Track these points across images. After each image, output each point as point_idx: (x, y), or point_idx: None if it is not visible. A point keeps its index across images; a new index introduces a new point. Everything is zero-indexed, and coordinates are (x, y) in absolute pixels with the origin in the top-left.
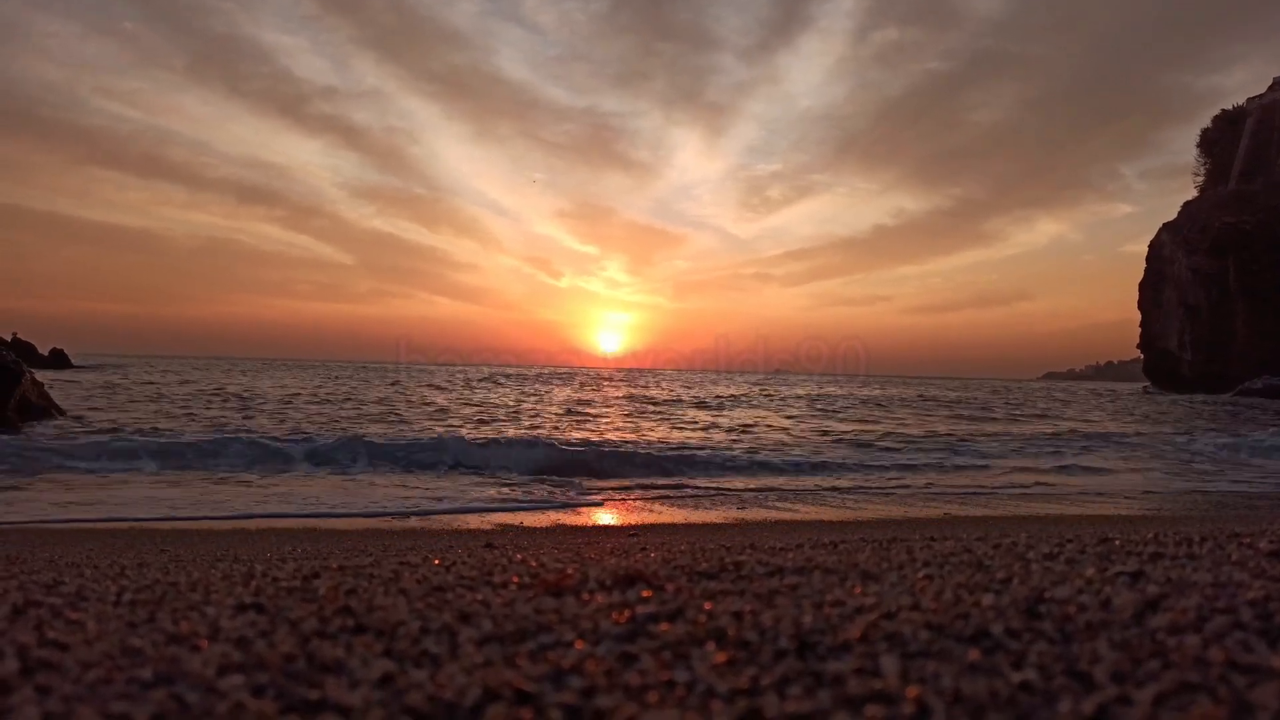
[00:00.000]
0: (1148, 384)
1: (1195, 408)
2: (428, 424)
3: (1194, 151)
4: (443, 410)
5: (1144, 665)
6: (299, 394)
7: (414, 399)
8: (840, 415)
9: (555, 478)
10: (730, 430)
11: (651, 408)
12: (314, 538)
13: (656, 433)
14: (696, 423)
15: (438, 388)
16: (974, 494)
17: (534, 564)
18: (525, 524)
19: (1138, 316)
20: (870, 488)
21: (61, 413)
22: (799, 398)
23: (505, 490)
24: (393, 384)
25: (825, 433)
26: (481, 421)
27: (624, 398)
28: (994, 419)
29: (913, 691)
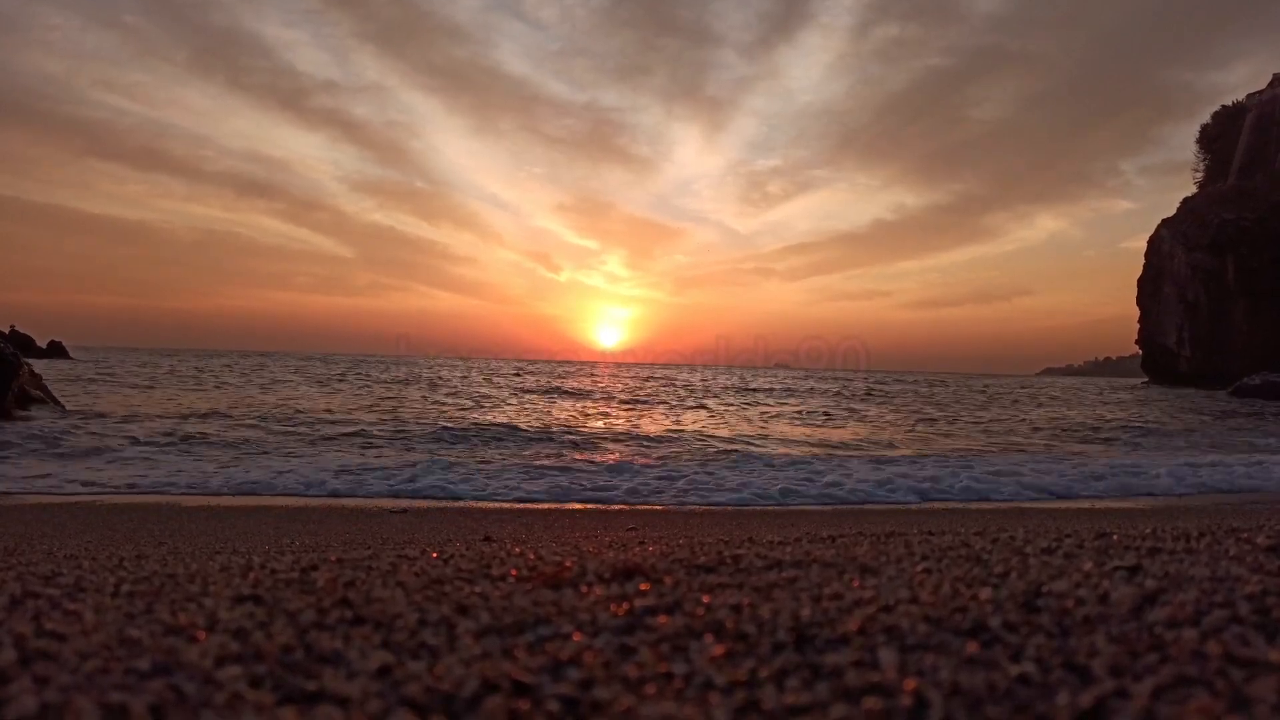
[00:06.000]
0: (1146, 379)
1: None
2: None
3: (1194, 148)
4: None
5: (1142, 659)
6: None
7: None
8: None
9: None
10: None
11: None
12: (313, 530)
13: None
14: None
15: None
16: None
17: (532, 557)
18: (524, 517)
19: (1137, 312)
20: None
21: (62, 408)
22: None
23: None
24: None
25: None
26: None
27: None
28: None
29: (910, 684)
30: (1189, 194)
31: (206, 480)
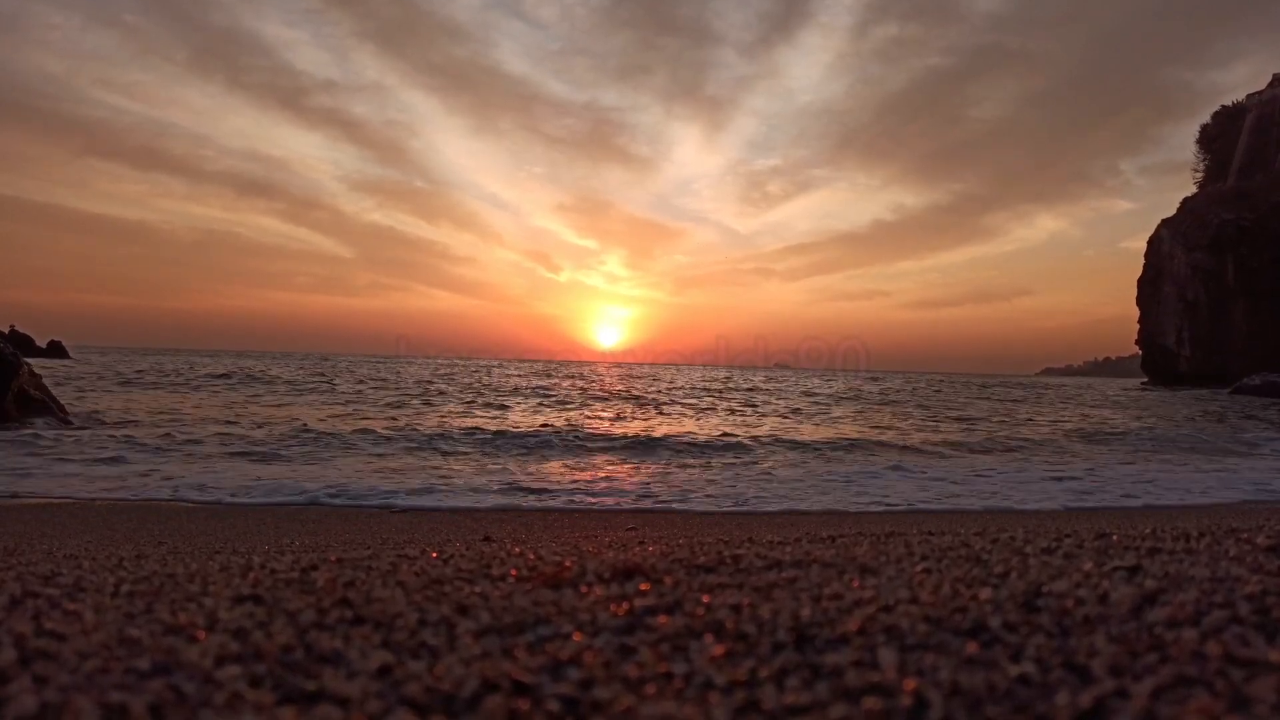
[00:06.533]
0: (1146, 379)
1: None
2: None
3: (1193, 148)
4: None
5: (1141, 659)
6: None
7: None
8: None
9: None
10: None
11: None
12: (313, 530)
13: None
14: None
15: None
16: None
17: (532, 557)
18: (523, 517)
19: (1137, 312)
20: None
21: (61, 409)
22: None
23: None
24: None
25: None
26: None
27: None
28: None
29: (910, 684)
30: (1189, 194)
31: (206, 486)
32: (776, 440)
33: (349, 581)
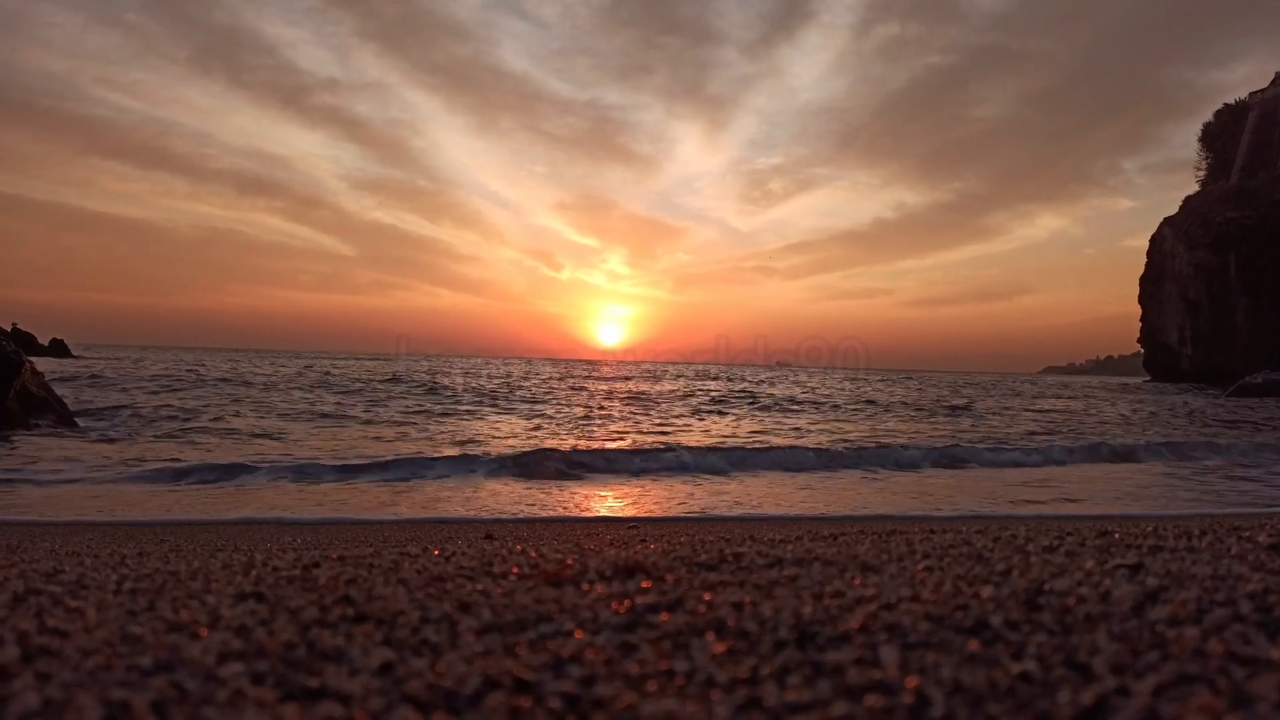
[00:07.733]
0: (1148, 378)
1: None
2: None
3: (1196, 146)
4: None
5: (1143, 657)
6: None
7: None
8: None
9: None
10: None
11: None
12: (315, 529)
13: None
14: None
15: None
16: None
17: (534, 554)
18: (525, 516)
19: (1138, 311)
20: None
21: (64, 407)
22: None
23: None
24: None
25: None
26: None
27: None
28: None
29: (912, 682)
30: (1191, 192)
31: (210, 499)
32: (778, 442)
33: (351, 579)
